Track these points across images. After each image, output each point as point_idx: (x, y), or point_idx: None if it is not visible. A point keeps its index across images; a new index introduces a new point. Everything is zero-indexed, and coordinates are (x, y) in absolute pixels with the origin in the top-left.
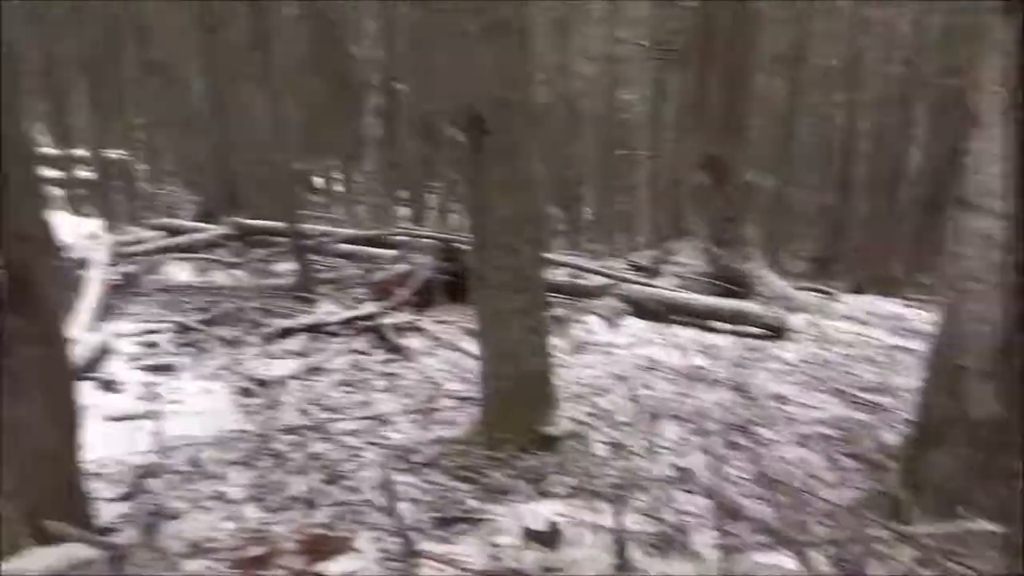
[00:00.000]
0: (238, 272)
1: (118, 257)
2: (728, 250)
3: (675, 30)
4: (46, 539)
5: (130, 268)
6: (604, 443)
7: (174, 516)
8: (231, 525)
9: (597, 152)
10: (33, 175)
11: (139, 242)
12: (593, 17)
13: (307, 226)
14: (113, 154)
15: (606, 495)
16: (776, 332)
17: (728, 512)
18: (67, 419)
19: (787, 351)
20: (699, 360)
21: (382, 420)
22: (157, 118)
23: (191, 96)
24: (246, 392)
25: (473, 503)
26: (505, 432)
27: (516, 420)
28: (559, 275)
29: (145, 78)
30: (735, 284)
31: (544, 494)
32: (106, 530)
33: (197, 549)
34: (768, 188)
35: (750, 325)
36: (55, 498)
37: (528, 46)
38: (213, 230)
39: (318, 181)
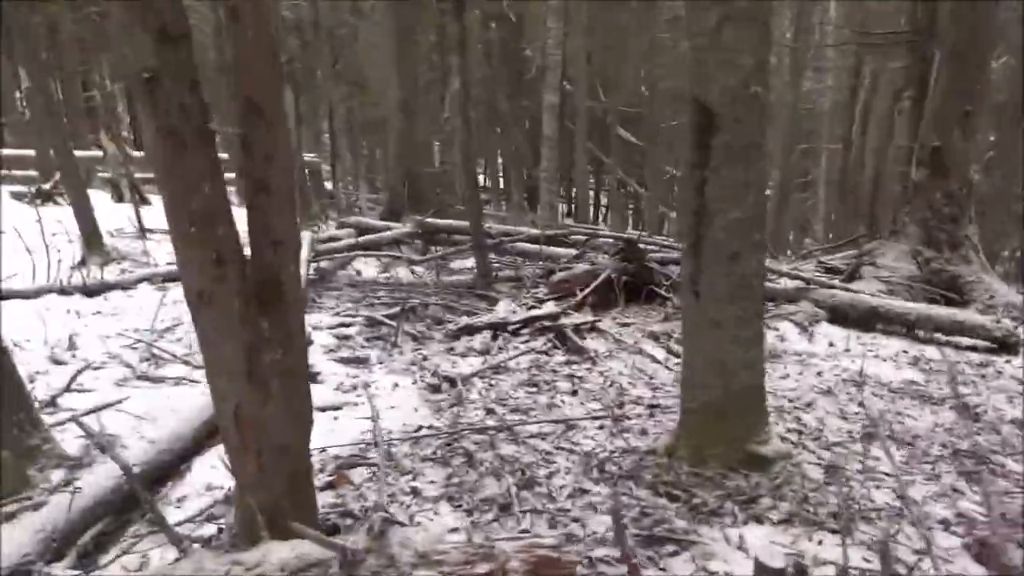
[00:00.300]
0: (420, 269)
1: (314, 254)
2: (942, 252)
3: (882, 10)
4: (281, 534)
5: (323, 264)
6: (816, 464)
7: (396, 521)
8: (456, 537)
9: (775, 145)
10: (291, 184)
11: (332, 239)
12: None
13: (488, 225)
14: (307, 157)
15: (827, 525)
16: (1004, 346)
17: (983, 556)
18: (302, 417)
19: (1020, 368)
20: (913, 374)
21: (569, 424)
22: (347, 123)
23: (383, 102)
24: (434, 388)
25: (680, 523)
26: (711, 448)
27: (724, 436)
28: None
29: (337, 86)
30: (950, 290)
31: (757, 519)
32: (333, 528)
33: (425, 560)
34: (989, 183)
35: (971, 337)
36: (289, 493)
37: (768, 36)
38: (397, 228)
39: (480, 180)
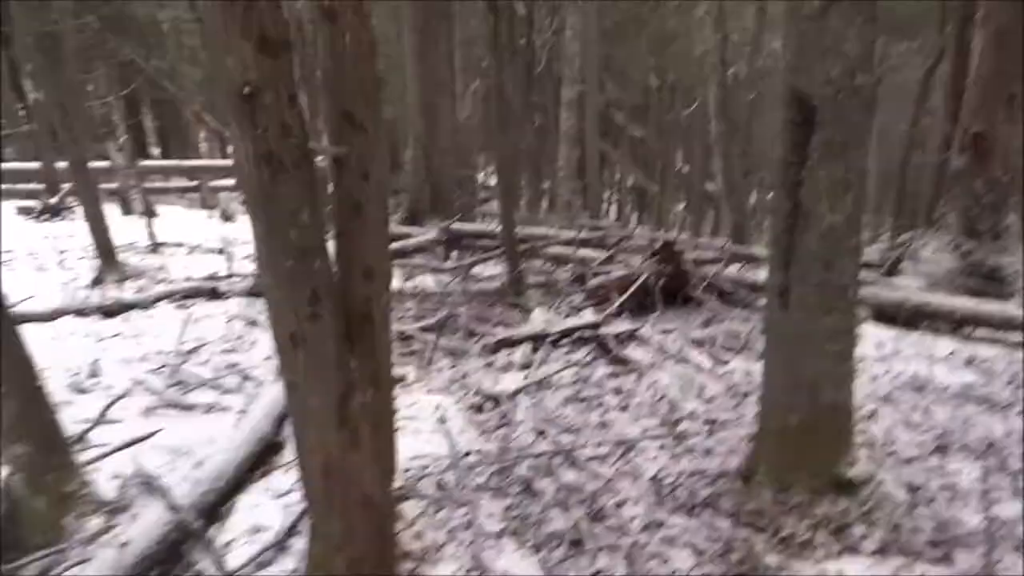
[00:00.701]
0: (444, 277)
1: None
2: (983, 243)
3: None
4: None
5: None
6: (897, 483)
7: None
8: None
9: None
10: (385, 205)
11: None
12: None
13: (520, 229)
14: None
15: (926, 555)
16: None
17: None
18: (390, 465)
19: None
20: (970, 376)
21: (627, 445)
22: None
23: (399, 101)
24: (478, 408)
25: (772, 558)
26: (795, 471)
27: (809, 458)
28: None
29: None
30: (992, 282)
31: (851, 550)
32: None
33: None
34: None
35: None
36: (373, 548)
37: (876, 21)
38: (421, 234)
39: (481, 178)
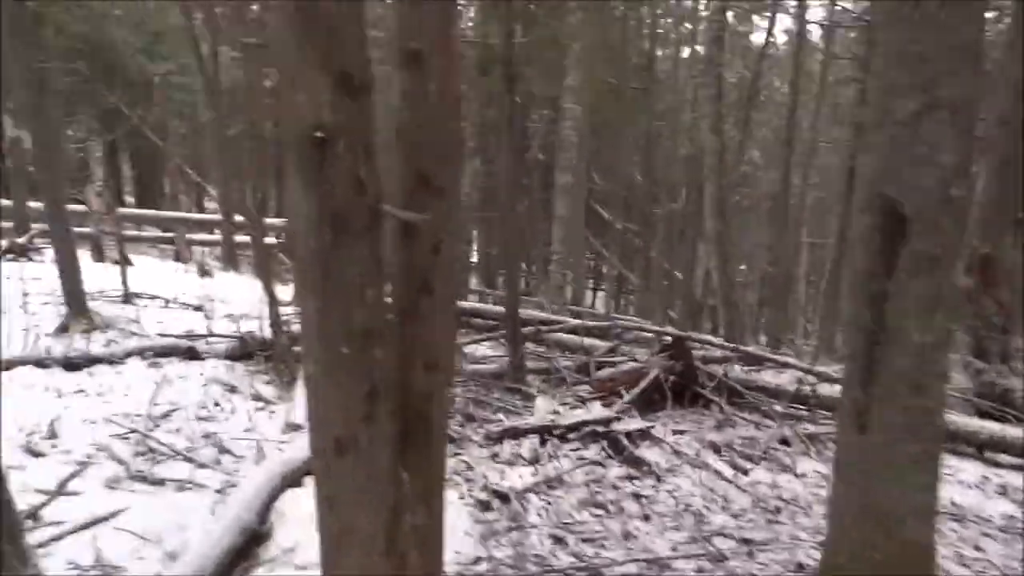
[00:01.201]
0: None
1: None
2: (992, 363)
3: None
4: None
5: None
6: None
7: None
8: None
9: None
10: (455, 282)
11: None
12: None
13: (523, 311)
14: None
15: None
16: None
17: None
18: None
19: None
20: (1008, 507)
21: (660, 564)
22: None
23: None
24: (484, 506)
25: None
26: None
27: None
28: (778, 379)
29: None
30: (1005, 405)
31: None
32: None
33: None
34: None
35: None
36: None
37: (973, 128)
38: None
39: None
